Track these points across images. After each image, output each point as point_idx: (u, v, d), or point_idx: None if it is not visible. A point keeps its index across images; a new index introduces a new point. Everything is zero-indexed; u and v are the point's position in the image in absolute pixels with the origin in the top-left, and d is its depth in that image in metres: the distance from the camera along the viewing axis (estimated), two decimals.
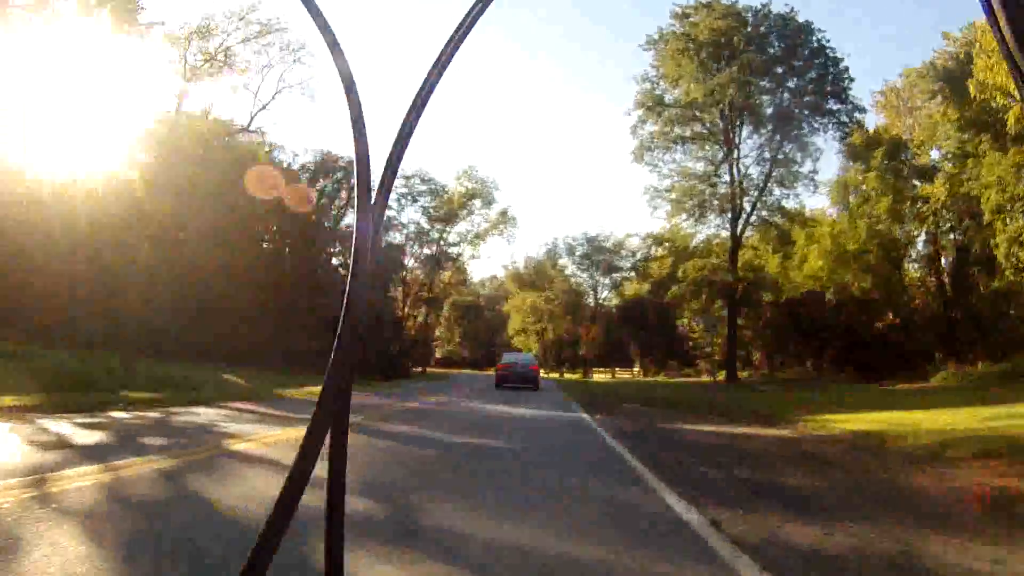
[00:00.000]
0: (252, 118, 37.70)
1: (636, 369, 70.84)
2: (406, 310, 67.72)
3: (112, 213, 28.79)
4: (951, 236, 36.79)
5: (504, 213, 71.88)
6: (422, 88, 0.91)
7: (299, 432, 1.25)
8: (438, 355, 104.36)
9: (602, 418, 13.98)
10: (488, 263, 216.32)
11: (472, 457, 7.98)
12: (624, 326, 69.41)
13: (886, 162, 34.97)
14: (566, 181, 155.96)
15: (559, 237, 72.83)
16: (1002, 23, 0.63)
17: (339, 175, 53.96)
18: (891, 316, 36.77)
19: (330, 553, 0.80)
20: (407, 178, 66.08)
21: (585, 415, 14.95)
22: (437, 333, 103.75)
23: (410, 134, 0.91)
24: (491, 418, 13.80)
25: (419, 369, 67.21)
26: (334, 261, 53.39)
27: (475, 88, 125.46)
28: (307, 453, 0.74)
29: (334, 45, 0.91)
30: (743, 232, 43.16)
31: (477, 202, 71.31)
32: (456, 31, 0.92)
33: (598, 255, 68.52)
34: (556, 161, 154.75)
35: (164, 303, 31.25)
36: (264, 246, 47.35)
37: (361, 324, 0.82)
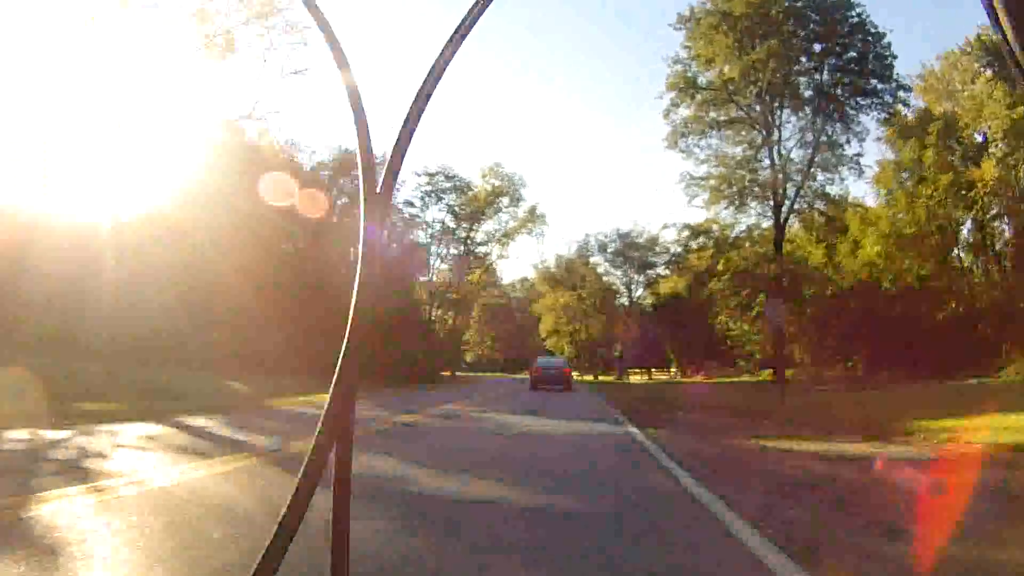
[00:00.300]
0: (255, 105, 35.13)
1: (673, 370, 67.40)
2: (433, 312, 65.08)
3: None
4: (1003, 220, 33.29)
5: (533, 211, 69.08)
6: (426, 80, 0.88)
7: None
8: (468, 359, 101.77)
9: (659, 435, 10.91)
10: (518, 263, 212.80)
11: (440, 539, 4.19)
12: (660, 325, 66.06)
13: (941, 142, 31.48)
14: (596, 177, 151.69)
15: (590, 234, 70.14)
16: (1003, 20, 0.61)
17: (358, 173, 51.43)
18: (954, 305, 33.09)
19: (335, 565, 0.78)
20: (431, 175, 63.62)
21: (634, 429, 11.87)
22: (467, 336, 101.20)
23: (414, 129, 0.87)
24: (509, 439, 10.46)
25: (448, 373, 64.67)
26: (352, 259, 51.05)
27: (498, 84, 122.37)
28: (313, 462, 0.73)
29: (335, 43, 0.87)
30: (787, 220, 39.67)
31: (504, 200, 68.64)
32: (459, 27, 0.89)
33: (631, 252, 65.28)
34: (585, 157, 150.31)
35: (176, 309, 29.69)
36: (283, 247, 44.99)
37: (366, 325, 0.84)
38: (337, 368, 0.76)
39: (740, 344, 63.70)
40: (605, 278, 68.99)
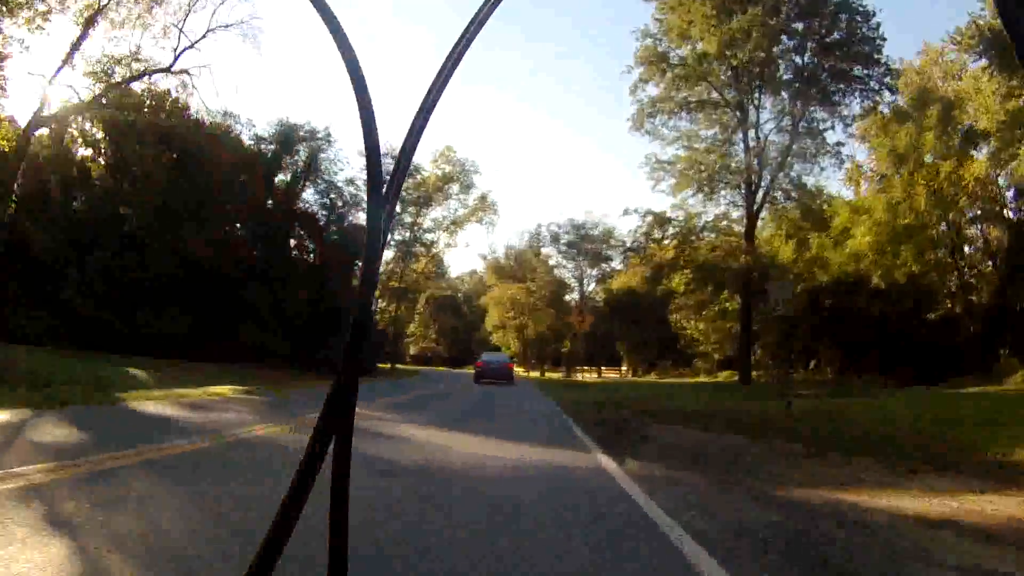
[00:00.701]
0: (176, 57, 29.76)
1: (624, 368, 63.72)
2: (374, 302, 60.11)
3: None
4: (982, 223, 30.30)
5: (484, 199, 64.58)
6: (434, 83, 0.89)
7: None
8: (412, 351, 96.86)
9: (654, 475, 6.60)
10: (467, 256, 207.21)
11: None
12: (612, 321, 62.33)
13: (940, 126, 28.08)
14: (550, 168, 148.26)
15: (543, 224, 65.63)
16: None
17: (299, 148, 46.44)
18: (949, 305, 29.80)
19: (334, 556, 0.78)
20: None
21: (608, 461, 7.49)
22: (411, 328, 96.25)
23: (423, 128, 0.89)
24: (394, 490, 5.55)
25: (387, 367, 59.97)
26: (291, 242, 45.91)
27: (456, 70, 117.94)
28: (312, 457, 0.73)
29: (338, 32, 0.86)
30: (760, 210, 35.95)
31: (455, 186, 64.02)
32: (468, 27, 0.91)
33: (585, 244, 61.24)
34: (540, 146, 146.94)
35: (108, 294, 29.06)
36: (226, 229, 39.83)
37: (367, 321, 0.83)
38: (342, 356, 0.76)
39: (695, 343, 60.49)
40: (556, 271, 64.91)
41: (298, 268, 43.55)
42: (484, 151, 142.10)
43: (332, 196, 47.58)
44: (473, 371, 37.71)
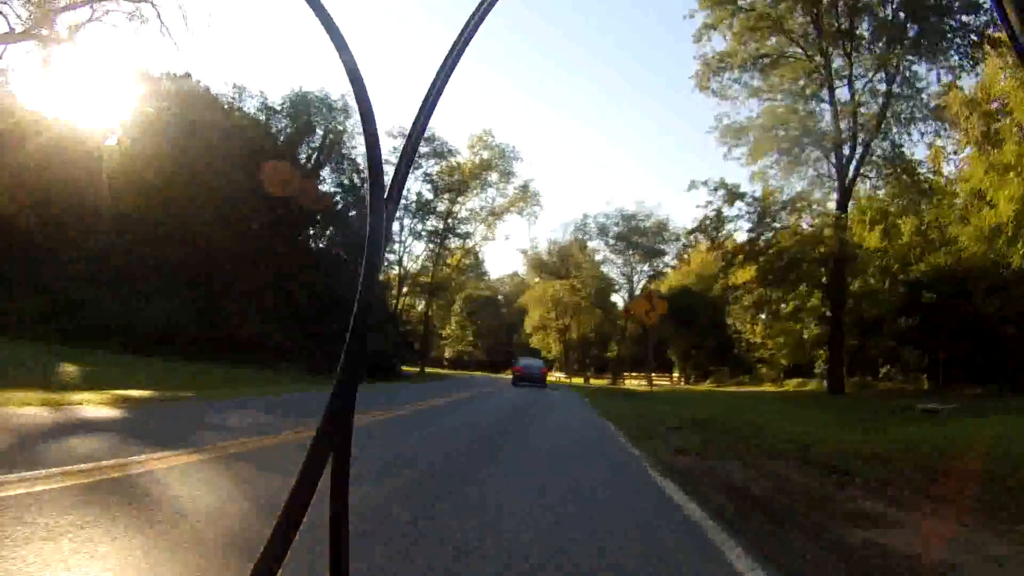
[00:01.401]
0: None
1: (676, 375, 57.04)
2: (402, 298, 54.61)
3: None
4: None
5: (525, 188, 58.71)
6: (433, 84, 0.86)
7: None
8: (448, 354, 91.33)
9: None
10: (508, 256, 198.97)
11: None
12: (663, 323, 55.72)
13: None
14: (598, 157, 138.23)
15: (589, 215, 58.77)
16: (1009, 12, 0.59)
17: (316, 121, 41.13)
18: None
19: (333, 549, 0.76)
20: (408, 136, 53.08)
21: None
22: (447, 330, 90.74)
23: (419, 140, 0.86)
24: None
25: (416, 369, 54.43)
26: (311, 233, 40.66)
27: (494, 50, 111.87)
28: (312, 465, 0.71)
29: (337, 37, 0.82)
30: (852, 185, 29.15)
31: (494, 175, 58.38)
32: (468, 22, 0.86)
33: (635, 236, 54.79)
34: (588, 134, 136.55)
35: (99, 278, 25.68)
36: (231, 211, 34.74)
37: (368, 324, 0.79)
38: (341, 360, 0.73)
39: (755, 347, 53.60)
40: (603, 268, 58.47)
41: (312, 256, 38.18)
42: (525, 139, 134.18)
43: (352, 175, 42.18)
44: (511, 375, 40.07)
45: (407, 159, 0.85)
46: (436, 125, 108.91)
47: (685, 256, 56.95)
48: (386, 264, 55.15)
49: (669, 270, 56.20)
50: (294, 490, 0.71)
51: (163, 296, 26.89)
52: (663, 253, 55.45)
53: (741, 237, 31.06)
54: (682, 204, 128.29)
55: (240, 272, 32.88)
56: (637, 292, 56.68)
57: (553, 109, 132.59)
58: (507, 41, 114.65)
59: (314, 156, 41.02)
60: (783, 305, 35.94)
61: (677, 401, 23.26)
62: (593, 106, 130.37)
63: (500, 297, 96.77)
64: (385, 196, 0.78)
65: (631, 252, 55.12)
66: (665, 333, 56.58)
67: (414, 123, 0.86)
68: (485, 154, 57.60)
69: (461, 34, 0.85)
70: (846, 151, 29.13)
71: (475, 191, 58.09)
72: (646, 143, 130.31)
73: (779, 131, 28.58)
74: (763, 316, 39.36)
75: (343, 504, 0.74)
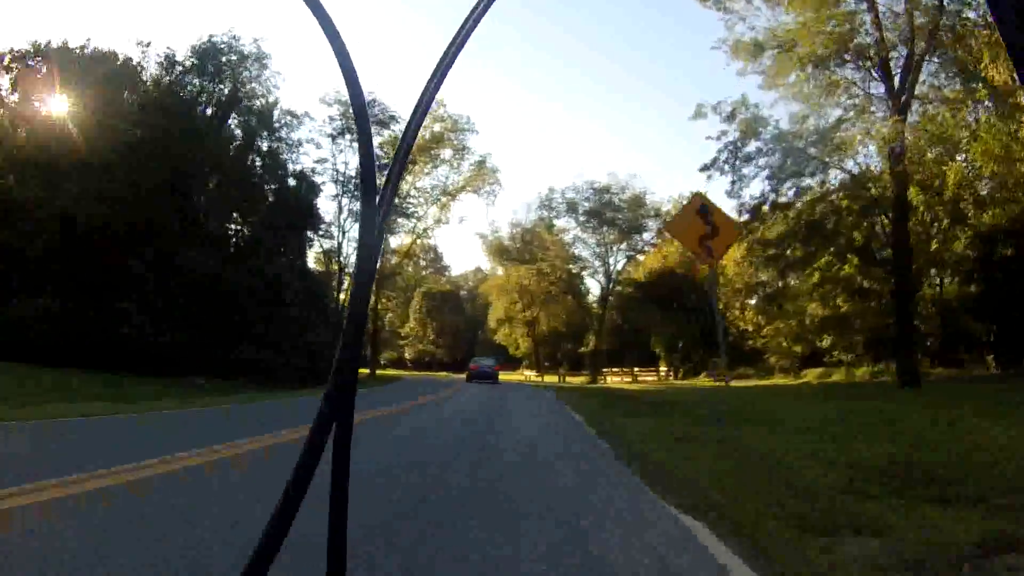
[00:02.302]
0: None
1: (663, 370, 49.19)
2: (344, 292, 46.05)
3: None
4: None
5: (482, 164, 50.50)
6: (422, 97, 0.82)
7: None
8: (409, 355, 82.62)
9: None
10: (469, 249, 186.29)
11: None
12: (645, 310, 47.95)
13: None
14: (563, 129, 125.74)
15: (556, 190, 50.20)
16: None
17: (221, 67, 32.37)
18: None
19: (333, 551, 0.74)
20: (344, 104, 44.81)
21: None
22: (406, 328, 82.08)
23: (412, 142, 0.82)
24: None
25: (367, 372, 46.06)
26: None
27: (444, 11, 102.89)
28: (310, 452, 0.69)
29: (329, 28, 0.77)
30: (908, 106, 21.26)
31: (447, 151, 50.09)
32: (453, 44, 0.82)
33: (610, 212, 46.77)
34: (549, 106, 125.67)
35: None
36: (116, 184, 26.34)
37: (364, 314, 0.76)
38: (336, 355, 0.71)
39: (749, 335, 46.18)
40: (574, 249, 50.21)
41: (210, 232, 29.54)
42: (480, 111, 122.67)
43: (269, 138, 33.59)
44: (466, 375, 41.63)
45: (399, 164, 0.80)
46: (376, 88, 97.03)
47: (667, 235, 49.08)
48: (324, 250, 46.68)
49: (651, 249, 48.24)
50: (293, 475, 0.67)
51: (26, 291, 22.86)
52: (643, 229, 47.45)
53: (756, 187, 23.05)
54: (662, 177, 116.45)
55: (122, 257, 24.89)
56: (615, 275, 48.61)
57: (509, 78, 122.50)
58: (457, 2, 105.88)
59: (220, 112, 32.31)
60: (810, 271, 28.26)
61: (688, 406, 15.23)
62: (553, 74, 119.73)
63: (463, 292, 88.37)
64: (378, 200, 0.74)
65: (605, 230, 46.96)
66: (647, 322, 48.81)
67: (407, 126, 0.80)
68: (436, 127, 49.25)
69: (455, 37, 0.80)
70: (896, 70, 21.40)
71: (425, 168, 49.82)
72: (615, 112, 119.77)
73: (812, 40, 20.55)
74: (787, 281, 31.50)
75: (343, 485, 0.71)
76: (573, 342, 57.98)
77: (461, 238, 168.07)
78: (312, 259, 48.19)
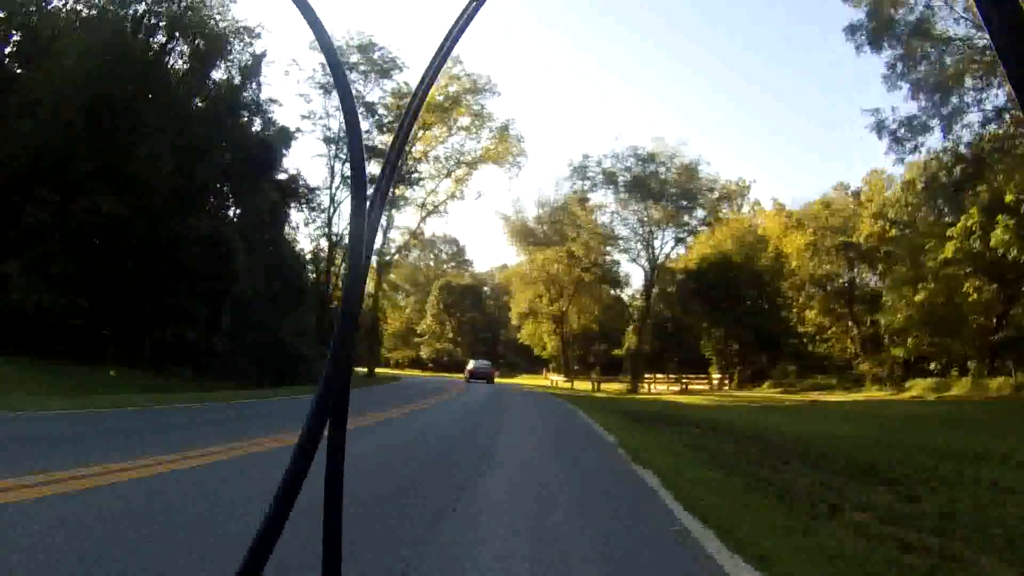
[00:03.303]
0: None
1: (716, 378, 40.45)
2: (334, 272, 38.31)
3: None
4: None
5: (504, 132, 42.46)
6: (415, 94, 0.78)
7: None
8: (424, 354, 74.67)
9: None
10: (495, 245, 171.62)
11: None
12: (695, 305, 39.40)
13: None
14: (600, 93, 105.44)
15: (591, 157, 40.58)
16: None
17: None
18: None
19: (328, 550, 0.72)
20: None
21: None
22: (423, 325, 74.18)
23: (403, 145, 0.79)
24: None
25: (364, 370, 38.46)
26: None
27: None
28: (304, 450, 0.67)
29: (317, 26, 0.75)
30: None
31: (464, 118, 42.15)
32: (447, 40, 0.77)
33: (653, 184, 38.14)
34: (584, 66, 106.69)
35: None
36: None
37: (357, 309, 0.73)
38: (329, 350, 0.68)
39: (811, 338, 37.84)
40: (611, 229, 41.35)
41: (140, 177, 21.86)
42: (504, 73, 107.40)
43: (222, 67, 25.79)
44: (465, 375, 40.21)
45: (391, 164, 0.77)
46: (376, 31, 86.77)
47: (723, 213, 40.43)
48: (313, 227, 38.87)
49: (705, 230, 39.48)
50: (291, 461, 0.65)
51: None
52: (696, 207, 38.73)
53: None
54: (720, 146, 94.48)
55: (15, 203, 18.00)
56: (661, 260, 39.77)
57: (534, 33, 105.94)
58: None
59: (163, 33, 24.62)
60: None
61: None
62: (589, 27, 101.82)
63: (486, 289, 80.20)
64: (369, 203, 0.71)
65: (650, 205, 38.17)
66: (697, 318, 40.34)
67: (401, 122, 0.78)
68: (452, 88, 41.32)
69: (449, 34, 0.75)
70: None
71: (438, 135, 42.02)
72: (662, 78, 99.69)
73: None
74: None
75: (337, 486, 0.70)
76: (607, 342, 49.42)
77: (486, 232, 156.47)
78: (303, 236, 40.50)
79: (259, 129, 26.13)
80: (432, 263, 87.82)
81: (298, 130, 34.09)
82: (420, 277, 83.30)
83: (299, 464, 0.64)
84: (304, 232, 34.96)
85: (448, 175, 42.70)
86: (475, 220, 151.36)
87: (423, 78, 0.75)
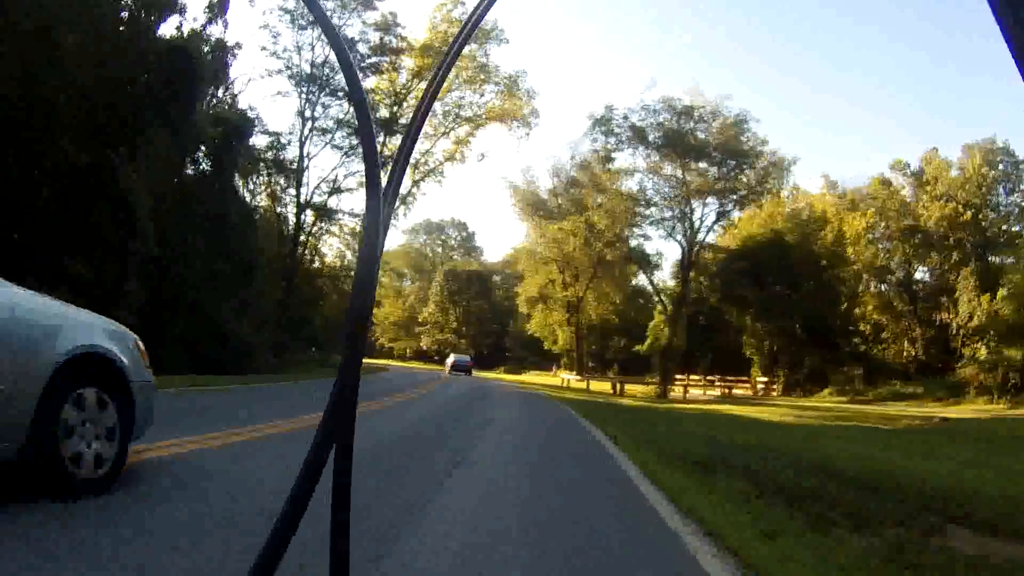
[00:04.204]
0: None
1: (761, 381, 33.17)
2: (309, 239, 31.43)
3: None
4: None
5: (512, 86, 35.46)
6: (427, 89, 0.78)
7: None
8: (425, 345, 67.74)
9: None
10: (506, 234, 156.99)
11: None
12: (742, 293, 32.21)
13: None
14: (625, 48, 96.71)
15: (616, 109, 33.40)
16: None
17: None
18: None
19: (335, 560, 0.71)
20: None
21: None
22: (424, 314, 67.24)
23: (415, 139, 0.78)
24: None
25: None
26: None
27: None
28: (314, 459, 0.66)
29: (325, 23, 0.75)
30: None
31: (466, 70, 35.27)
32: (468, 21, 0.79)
33: (694, 142, 30.84)
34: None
35: None
36: None
37: (367, 316, 0.71)
38: (344, 353, 0.66)
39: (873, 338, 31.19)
40: (640, 196, 33.90)
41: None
42: (514, 23, 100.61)
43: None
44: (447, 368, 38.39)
45: (403, 160, 0.75)
46: None
47: (771, 186, 33.10)
48: (273, 181, 32.06)
49: (756, 199, 32.07)
50: (297, 483, 0.64)
51: None
52: (742, 174, 31.37)
53: None
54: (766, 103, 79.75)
55: None
56: (701, 237, 32.17)
57: None
58: None
59: None
60: None
61: None
62: None
63: (497, 278, 72.99)
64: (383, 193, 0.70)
65: (688, 164, 30.73)
66: (742, 310, 33.23)
67: (411, 120, 0.76)
68: (454, 32, 33.92)
69: (463, 28, 0.75)
70: None
71: (431, 79, 34.75)
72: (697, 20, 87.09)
73: None
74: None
75: (345, 491, 0.67)
76: (628, 337, 42.21)
77: (498, 219, 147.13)
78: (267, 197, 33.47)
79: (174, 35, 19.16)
80: (440, 248, 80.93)
81: (237, 44, 27.30)
82: (426, 264, 76.50)
83: (303, 487, 0.62)
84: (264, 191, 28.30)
85: (446, 134, 35.81)
86: (486, 207, 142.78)
87: (432, 80, 0.71)
